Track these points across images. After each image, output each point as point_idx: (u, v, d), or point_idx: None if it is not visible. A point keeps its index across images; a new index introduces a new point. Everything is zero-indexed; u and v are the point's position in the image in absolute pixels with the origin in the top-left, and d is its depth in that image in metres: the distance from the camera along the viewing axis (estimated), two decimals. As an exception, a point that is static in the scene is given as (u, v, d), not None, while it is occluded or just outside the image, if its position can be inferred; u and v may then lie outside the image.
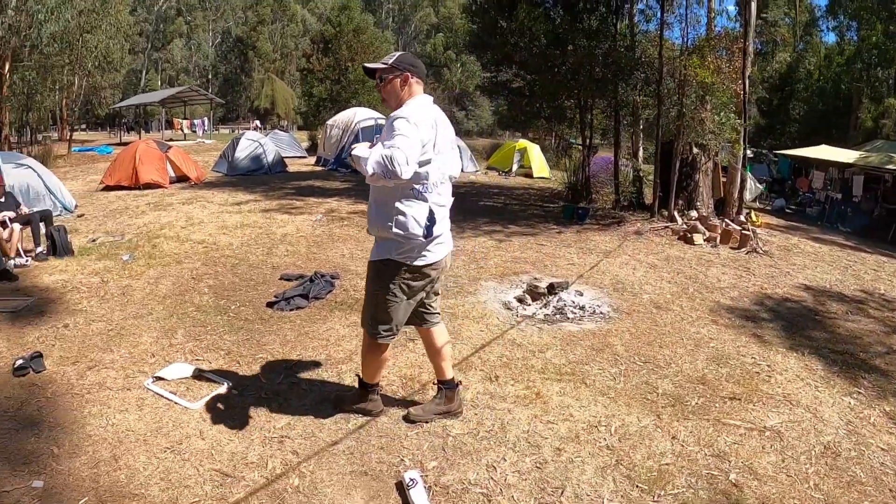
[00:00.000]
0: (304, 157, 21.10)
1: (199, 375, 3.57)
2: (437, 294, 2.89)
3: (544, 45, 9.98)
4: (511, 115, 14.26)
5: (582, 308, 4.87)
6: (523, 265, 6.35)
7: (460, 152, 15.77)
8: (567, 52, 9.88)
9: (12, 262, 5.70)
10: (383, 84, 2.65)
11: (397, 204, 2.50)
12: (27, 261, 5.97)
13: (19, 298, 4.89)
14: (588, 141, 11.56)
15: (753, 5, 9.01)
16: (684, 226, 8.24)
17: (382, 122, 17.20)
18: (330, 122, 18.18)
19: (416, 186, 2.49)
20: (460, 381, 3.12)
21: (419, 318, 2.86)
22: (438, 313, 2.93)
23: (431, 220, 2.52)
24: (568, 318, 4.66)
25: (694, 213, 8.97)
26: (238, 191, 11.74)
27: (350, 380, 3.48)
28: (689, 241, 7.50)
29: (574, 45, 9.82)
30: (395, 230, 2.51)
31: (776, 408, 3.32)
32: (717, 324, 4.76)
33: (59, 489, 2.47)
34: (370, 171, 2.25)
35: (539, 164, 17.18)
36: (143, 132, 31.52)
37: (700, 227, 7.91)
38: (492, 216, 9.53)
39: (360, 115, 17.12)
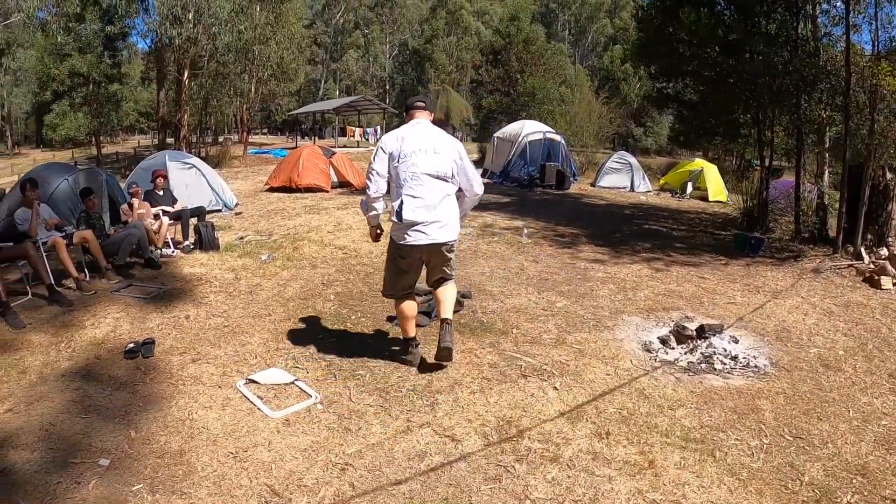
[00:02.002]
0: (472, 169, 22.05)
1: (292, 384, 3.77)
2: (443, 272, 3.95)
3: (716, 53, 9.92)
4: (681, 131, 13.95)
5: (734, 358, 4.39)
6: (676, 300, 5.90)
7: (632, 171, 15.55)
8: (742, 61, 9.65)
9: (159, 251, 6.71)
10: None
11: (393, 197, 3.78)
12: (173, 252, 7.01)
13: (154, 286, 5.73)
14: (768, 162, 10.94)
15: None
16: (871, 265, 7.38)
17: (551, 135, 17.60)
18: (497, 134, 19.13)
19: (393, 184, 3.75)
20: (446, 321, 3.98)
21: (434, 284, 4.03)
22: (447, 279, 3.97)
23: (400, 207, 3.65)
24: (714, 370, 4.19)
25: (884, 251, 7.97)
26: (394, 199, 12.52)
27: (444, 411, 3.39)
28: (876, 285, 6.74)
29: (751, 52, 9.59)
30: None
31: (947, 521, 2.68)
32: None
33: (121, 472, 2.78)
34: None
35: (716, 186, 16.59)
36: (316, 138, 35.64)
37: (890, 268, 7.01)
38: (654, 241, 9.16)
39: (527, 128, 17.53)
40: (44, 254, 5.34)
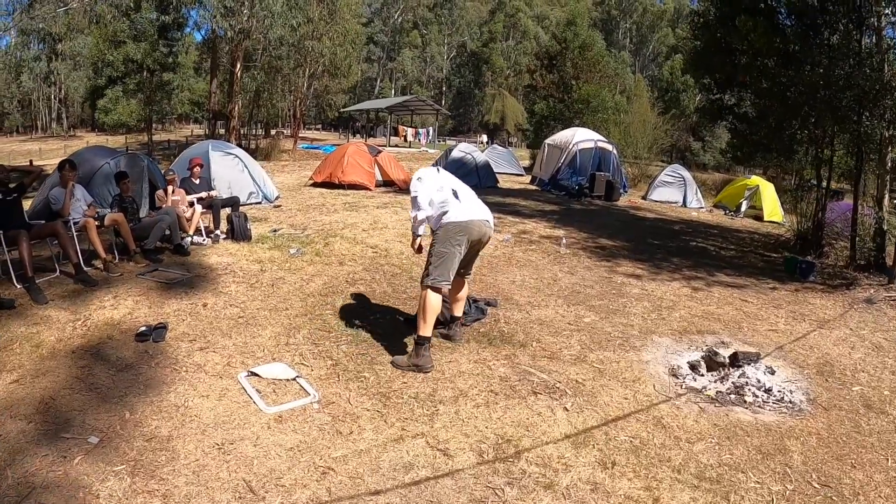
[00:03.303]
0: (521, 175, 22.38)
1: (293, 380, 3.82)
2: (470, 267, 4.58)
3: (774, 63, 9.72)
4: (735, 146, 13.73)
5: (767, 391, 4.18)
6: (713, 323, 5.70)
7: (685, 185, 16.13)
8: (801, 73, 9.34)
9: (188, 239, 6.92)
10: None
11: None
12: (204, 240, 7.22)
13: (179, 272, 5.91)
14: (826, 182, 10.56)
15: None
16: (929, 297, 6.98)
17: (602, 144, 17.47)
18: (548, 140, 19.15)
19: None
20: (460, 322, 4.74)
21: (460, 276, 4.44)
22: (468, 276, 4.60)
23: (455, 193, 4.26)
24: (744, 402, 4.01)
25: (944, 283, 7.54)
26: (436, 200, 12.64)
27: (443, 423, 3.36)
28: (933, 320, 6.33)
29: (811, 64, 9.32)
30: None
31: None
32: (942, 443, 3.69)
33: (107, 451, 2.89)
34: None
35: (771, 205, 16.35)
36: (367, 137, 36.24)
37: (949, 302, 6.63)
38: (699, 260, 8.94)
39: (579, 136, 17.43)
40: (74, 234, 5.59)
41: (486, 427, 3.38)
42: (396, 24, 62.28)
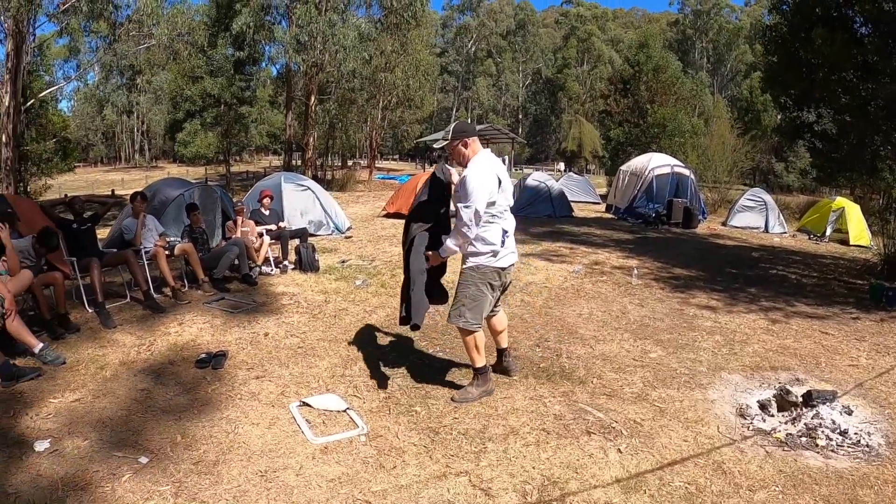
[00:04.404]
0: (597, 203, 22.26)
1: (343, 412, 3.91)
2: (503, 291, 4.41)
3: (852, 76, 9.41)
4: (815, 165, 13.27)
5: (843, 433, 3.87)
6: (789, 359, 5.37)
7: (767, 210, 16.12)
8: (881, 85, 8.92)
9: (257, 269, 7.26)
10: (451, 152, 4.14)
11: (479, 231, 3.99)
12: (272, 270, 7.54)
13: (244, 301, 6.21)
14: None
15: None
16: None
17: (679, 169, 17.19)
18: (623, 167, 19.06)
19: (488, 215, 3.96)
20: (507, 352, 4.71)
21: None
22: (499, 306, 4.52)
23: (504, 237, 4.06)
24: (816, 445, 3.72)
25: None
26: (509, 230, 12.73)
27: (489, 461, 3.34)
28: None
29: (891, 75, 8.87)
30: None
31: None
32: None
33: (155, 471, 3.07)
34: (456, 248, 4.03)
35: (858, 228, 15.57)
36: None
37: None
38: (777, 289, 8.49)
39: (655, 162, 17.25)
40: (145, 262, 6.01)
41: (534, 467, 3.32)
42: (470, 53, 63.78)
